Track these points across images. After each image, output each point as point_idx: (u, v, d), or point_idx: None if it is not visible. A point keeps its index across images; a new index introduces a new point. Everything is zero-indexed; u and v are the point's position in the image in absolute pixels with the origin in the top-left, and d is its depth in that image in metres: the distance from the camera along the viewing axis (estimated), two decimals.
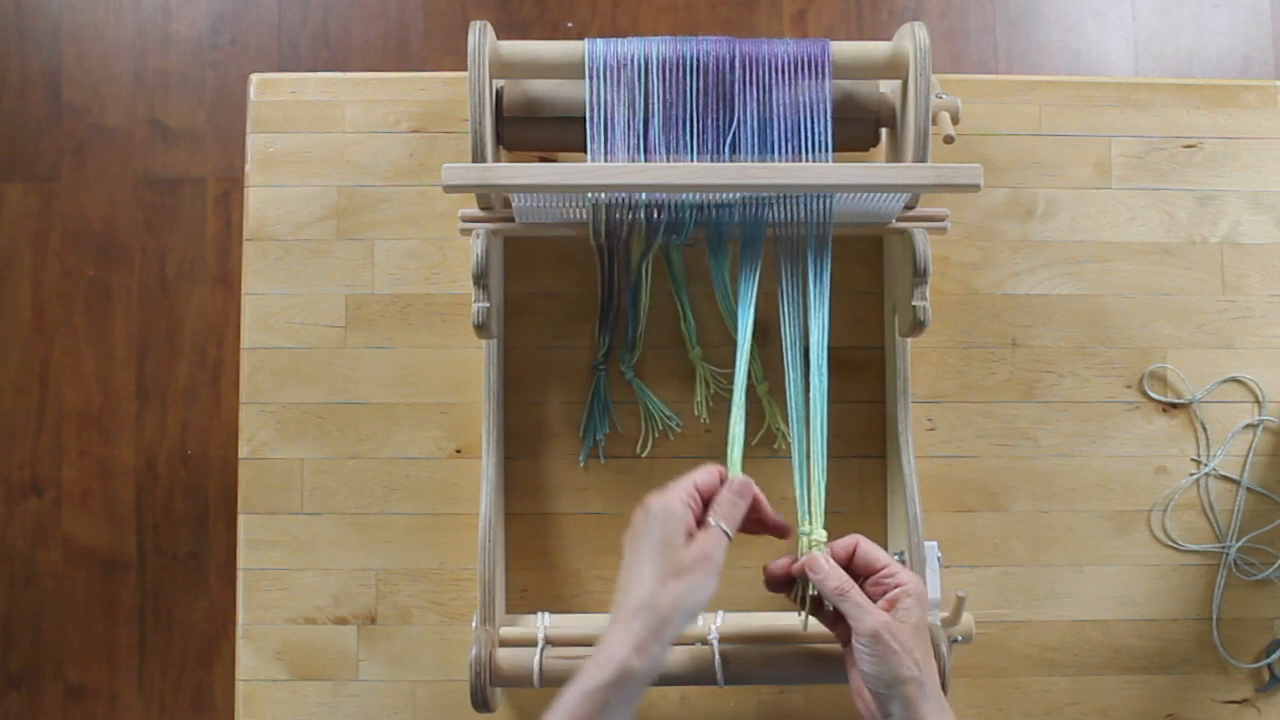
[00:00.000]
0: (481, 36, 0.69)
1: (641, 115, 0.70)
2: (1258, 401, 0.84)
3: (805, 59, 0.71)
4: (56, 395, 1.55)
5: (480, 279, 0.71)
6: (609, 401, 0.82)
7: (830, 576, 0.65)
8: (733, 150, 0.70)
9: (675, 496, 0.64)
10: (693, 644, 0.73)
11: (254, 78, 0.84)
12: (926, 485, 0.81)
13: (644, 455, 0.82)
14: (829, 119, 0.71)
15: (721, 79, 0.70)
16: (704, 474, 0.66)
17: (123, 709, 1.53)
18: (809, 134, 0.71)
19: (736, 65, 0.70)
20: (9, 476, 1.55)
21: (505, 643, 0.73)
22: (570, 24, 1.62)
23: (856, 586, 0.65)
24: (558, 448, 0.83)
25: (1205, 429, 0.84)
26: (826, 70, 0.71)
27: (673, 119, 0.70)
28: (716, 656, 0.72)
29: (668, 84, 0.70)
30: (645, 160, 0.70)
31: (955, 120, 0.72)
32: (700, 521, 0.64)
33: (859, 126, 0.75)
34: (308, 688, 0.81)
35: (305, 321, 0.83)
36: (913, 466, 0.77)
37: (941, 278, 0.84)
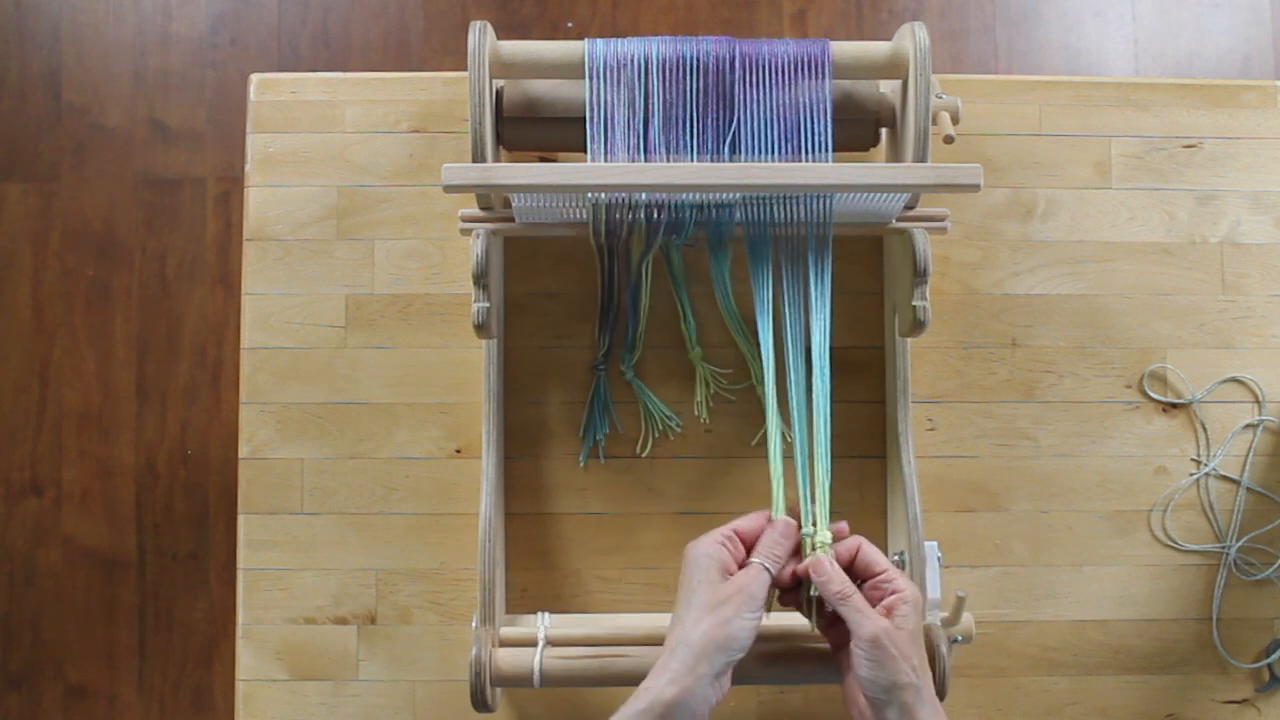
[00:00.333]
0: (481, 36, 0.69)
1: (641, 115, 0.70)
2: (1258, 401, 0.84)
3: (805, 59, 0.71)
4: (56, 395, 1.55)
5: (480, 279, 0.71)
6: (609, 401, 0.82)
7: (833, 580, 0.65)
8: (733, 150, 0.70)
9: (711, 539, 0.66)
10: None
11: (254, 78, 0.84)
12: (926, 485, 0.81)
13: (644, 455, 0.82)
14: (829, 119, 0.71)
15: (721, 79, 0.70)
16: (748, 518, 0.68)
17: (123, 709, 1.53)
18: (809, 134, 0.71)
19: (736, 65, 0.70)
20: (9, 476, 1.55)
21: (505, 643, 0.73)
22: (570, 24, 1.62)
23: (858, 591, 0.65)
24: (558, 448, 0.83)
25: (1205, 429, 0.84)
26: (826, 70, 0.71)
27: (673, 119, 0.70)
28: None
29: (668, 84, 0.70)
30: (645, 160, 0.70)
31: (955, 120, 0.72)
32: (743, 564, 0.66)
33: (859, 126, 0.75)
34: (308, 688, 0.81)
35: (305, 321, 0.83)
36: (913, 466, 0.77)
37: (941, 278, 0.84)
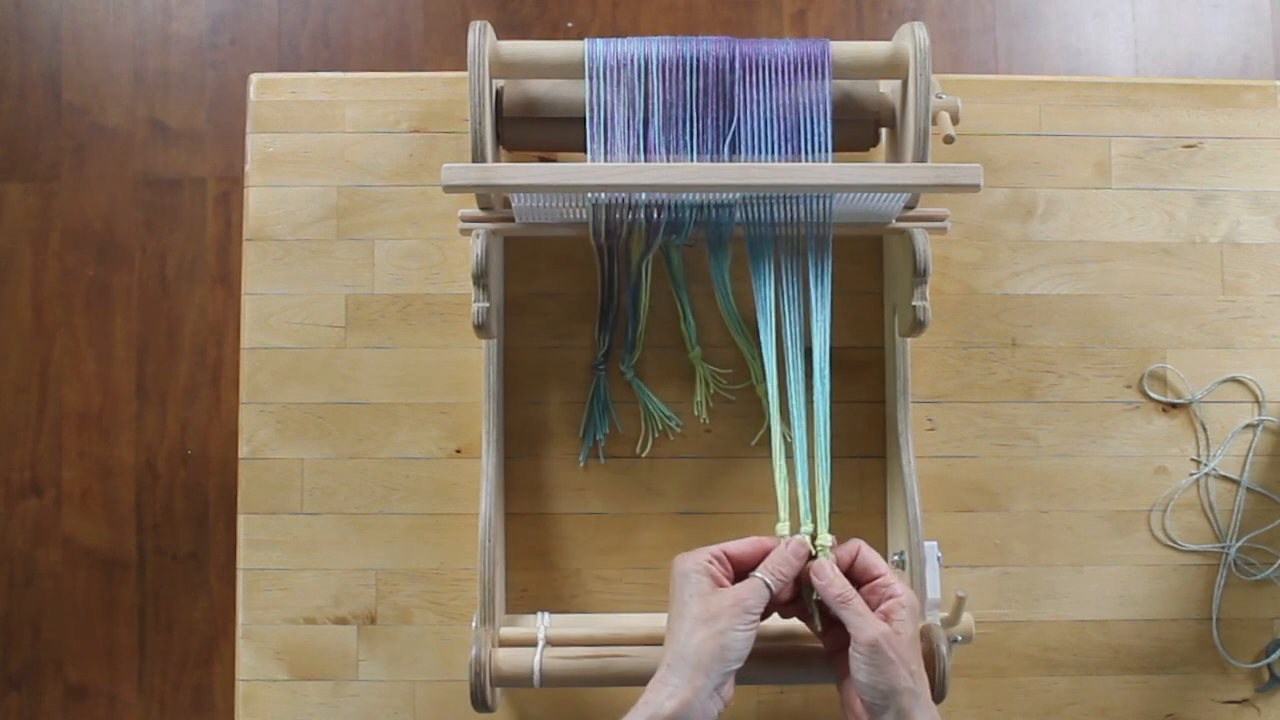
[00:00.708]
0: (481, 36, 0.69)
1: (641, 115, 0.70)
2: (1258, 401, 0.84)
3: (805, 59, 0.71)
4: (56, 395, 1.55)
5: (480, 279, 0.71)
6: (609, 401, 0.82)
7: (834, 584, 0.65)
8: (733, 150, 0.70)
9: (699, 554, 0.66)
10: None
11: (254, 78, 0.84)
12: (926, 485, 0.81)
13: (644, 455, 0.82)
14: (829, 119, 0.71)
15: (721, 79, 0.70)
16: (739, 542, 0.67)
17: (123, 709, 1.53)
18: (809, 134, 0.71)
19: (736, 65, 0.70)
20: (9, 476, 1.55)
21: (505, 643, 0.73)
22: (570, 24, 1.62)
23: (858, 595, 0.65)
24: (558, 448, 0.83)
25: (1205, 429, 0.84)
26: (826, 70, 0.71)
27: (673, 119, 0.70)
28: None
29: (668, 84, 0.70)
30: (645, 160, 0.70)
31: (955, 120, 0.72)
32: (735, 581, 0.66)
33: (859, 126, 0.75)
34: (308, 688, 0.81)
35: (305, 321, 0.83)
36: (913, 466, 0.77)
37: (941, 278, 0.84)
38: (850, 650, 0.64)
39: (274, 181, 0.83)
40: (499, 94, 0.74)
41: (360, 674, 0.81)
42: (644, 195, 0.71)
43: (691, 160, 0.70)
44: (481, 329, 0.72)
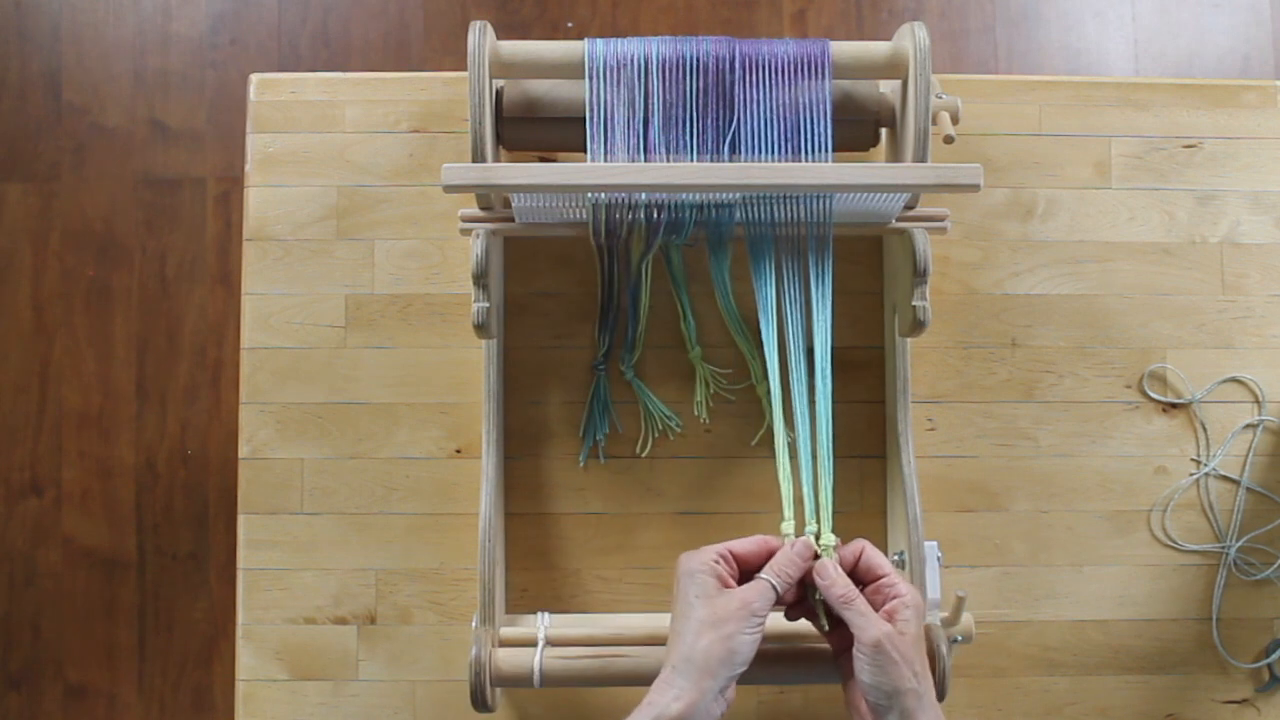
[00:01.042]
0: (481, 36, 0.69)
1: (641, 115, 0.70)
2: (1258, 401, 0.84)
3: (805, 59, 0.71)
4: (56, 395, 1.55)
5: (480, 279, 0.71)
6: (609, 401, 0.82)
7: (837, 584, 0.65)
8: (733, 150, 0.70)
9: (705, 554, 0.65)
10: None
11: (254, 78, 0.84)
12: (926, 485, 0.81)
13: (644, 455, 0.82)
14: (829, 119, 0.71)
15: (721, 79, 0.70)
16: (744, 541, 0.67)
17: (123, 709, 1.53)
18: (809, 134, 0.71)
19: (736, 65, 0.70)
20: (9, 476, 1.55)
21: (505, 643, 0.73)
22: (570, 24, 1.62)
23: (861, 596, 0.65)
24: (558, 448, 0.83)
25: (1205, 429, 0.84)
26: (826, 70, 0.71)
27: (673, 119, 0.70)
28: None
29: (668, 84, 0.70)
30: (645, 160, 0.70)
31: (955, 120, 0.72)
32: (741, 581, 0.66)
33: (859, 126, 0.75)
34: (308, 688, 0.81)
35: (305, 321, 0.83)
36: (913, 466, 0.77)
37: (941, 278, 0.84)
38: (854, 650, 0.64)
39: (274, 181, 0.83)
40: (499, 94, 0.74)
41: (360, 674, 0.81)
42: (644, 195, 0.71)
43: (691, 160, 0.70)
44: (481, 329, 0.72)
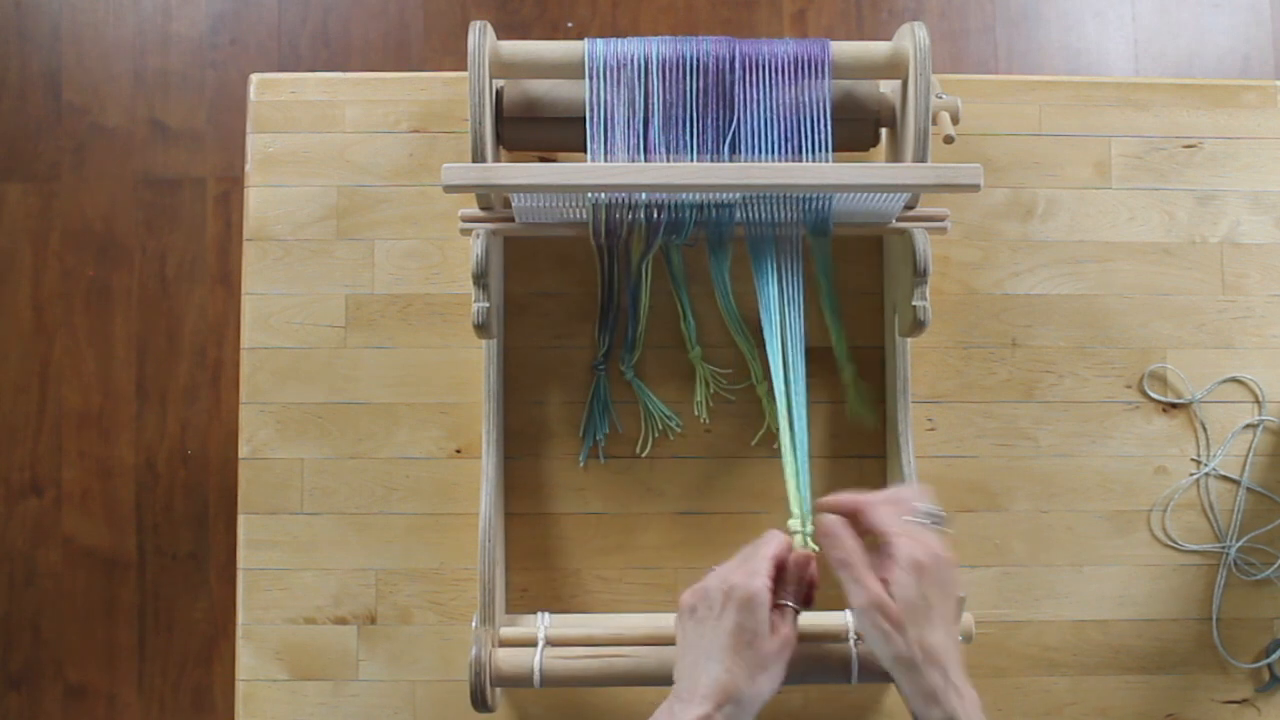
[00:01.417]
0: (481, 36, 0.69)
1: (641, 115, 0.70)
2: (1258, 401, 0.84)
3: (805, 59, 0.71)
4: (56, 395, 1.55)
5: (480, 279, 0.71)
6: (609, 401, 0.82)
7: (838, 546, 0.63)
8: (733, 150, 0.70)
9: (760, 581, 0.62)
10: None
11: (254, 78, 0.84)
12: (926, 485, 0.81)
13: (644, 455, 0.82)
14: (829, 119, 0.71)
15: (721, 79, 0.70)
16: (775, 546, 0.64)
17: (123, 709, 1.53)
18: (809, 134, 0.71)
19: (736, 65, 0.70)
20: (9, 476, 1.55)
21: (505, 643, 0.73)
22: (570, 24, 1.62)
23: (864, 561, 0.62)
24: (558, 448, 0.83)
25: (1205, 429, 0.84)
26: (826, 70, 0.71)
27: (673, 119, 0.70)
28: None
29: (668, 84, 0.70)
30: (645, 160, 0.70)
31: (955, 120, 0.72)
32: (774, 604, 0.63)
33: (859, 126, 0.75)
34: (308, 688, 0.81)
35: (305, 321, 0.83)
36: (913, 466, 0.77)
37: (941, 278, 0.84)
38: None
39: (274, 181, 0.83)
40: (499, 94, 0.74)
41: (360, 674, 0.81)
42: (644, 195, 0.71)
43: (691, 160, 0.70)
44: (481, 329, 0.72)
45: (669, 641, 0.73)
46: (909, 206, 0.74)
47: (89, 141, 1.58)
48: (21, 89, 1.59)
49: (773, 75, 0.71)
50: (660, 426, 0.82)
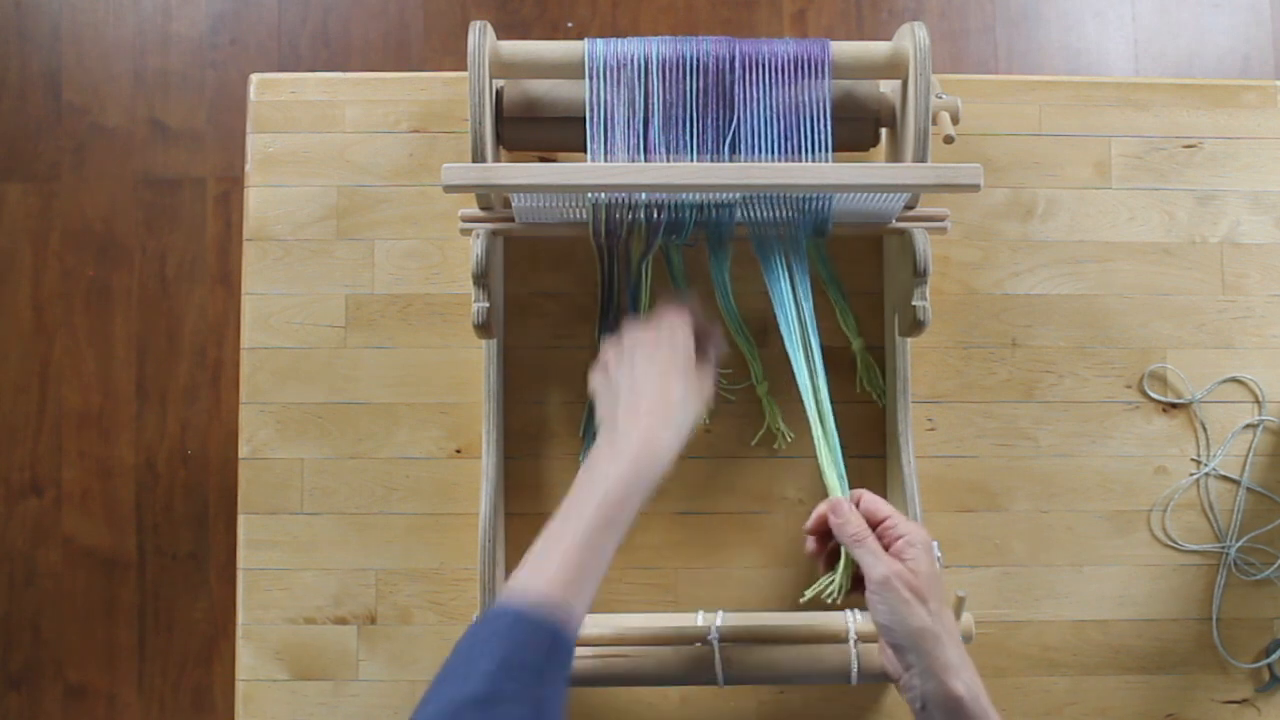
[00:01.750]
0: (481, 36, 0.69)
1: (641, 115, 0.70)
2: (1258, 401, 0.84)
3: (805, 59, 0.71)
4: (56, 395, 1.55)
5: (480, 279, 0.71)
6: None
7: (850, 523, 0.66)
8: (733, 150, 0.70)
9: (693, 321, 0.69)
10: (693, 644, 0.73)
11: (254, 78, 0.84)
12: (926, 485, 0.81)
13: None
14: (829, 119, 0.71)
15: (721, 79, 0.70)
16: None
17: (123, 709, 1.53)
18: (809, 134, 0.71)
19: (736, 65, 0.70)
20: (9, 476, 1.55)
21: None
22: (570, 24, 1.62)
23: (874, 536, 0.65)
24: (558, 448, 0.83)
25: (1205, 429, 0.84)
26: (826, 70, 0.71)
27: (673, 119, 0.70)
28: (717, 656, 0.72)
29: (668, 84, 0.70)
30: (645, 160, 0.70)
31: (955, 120, 0.72)
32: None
33: (859, 126, 0.75)
34: (308, 688, 0.81)
35: (305, 321, 0.83)
36: (913, 466, 0.77)
37: (941, 278, 0.84)
38: (867, 593, 0.64)
39: (274, 181, 0.83)
40: (499, 94, 0.74)
41: (360, 674, 0.81)
42: (644, 195, 0.71)
43: (691, 160, 0.70)
44: (481, 329, 0.72)
45: (669, 641, 0.73)
46: (909, 206, 0.74)
47: (89, 141, 1.58)
48: (21, 89, 1.59)
49: (773, 75, 0.71)
50: None
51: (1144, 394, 0.84)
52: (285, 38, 1.61)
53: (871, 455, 0.83)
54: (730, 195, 0.71)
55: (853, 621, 0.73)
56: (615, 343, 0.68)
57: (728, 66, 0.70)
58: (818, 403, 0.71)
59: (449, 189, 0.67)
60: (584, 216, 0.73)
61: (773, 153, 0.70)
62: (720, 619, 0.74)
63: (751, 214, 0.72)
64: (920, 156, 0.70)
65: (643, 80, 0.70)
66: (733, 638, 0.73)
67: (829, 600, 0.70)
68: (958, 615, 0.72)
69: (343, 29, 1.61)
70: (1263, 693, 0.83)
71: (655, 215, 0.72)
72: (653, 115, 0.70)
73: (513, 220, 0.74)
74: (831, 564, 0.70)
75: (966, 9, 1.65)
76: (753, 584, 0.82)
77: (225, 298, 1.56)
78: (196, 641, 1.54)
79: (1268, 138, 0.85)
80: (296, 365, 0.82)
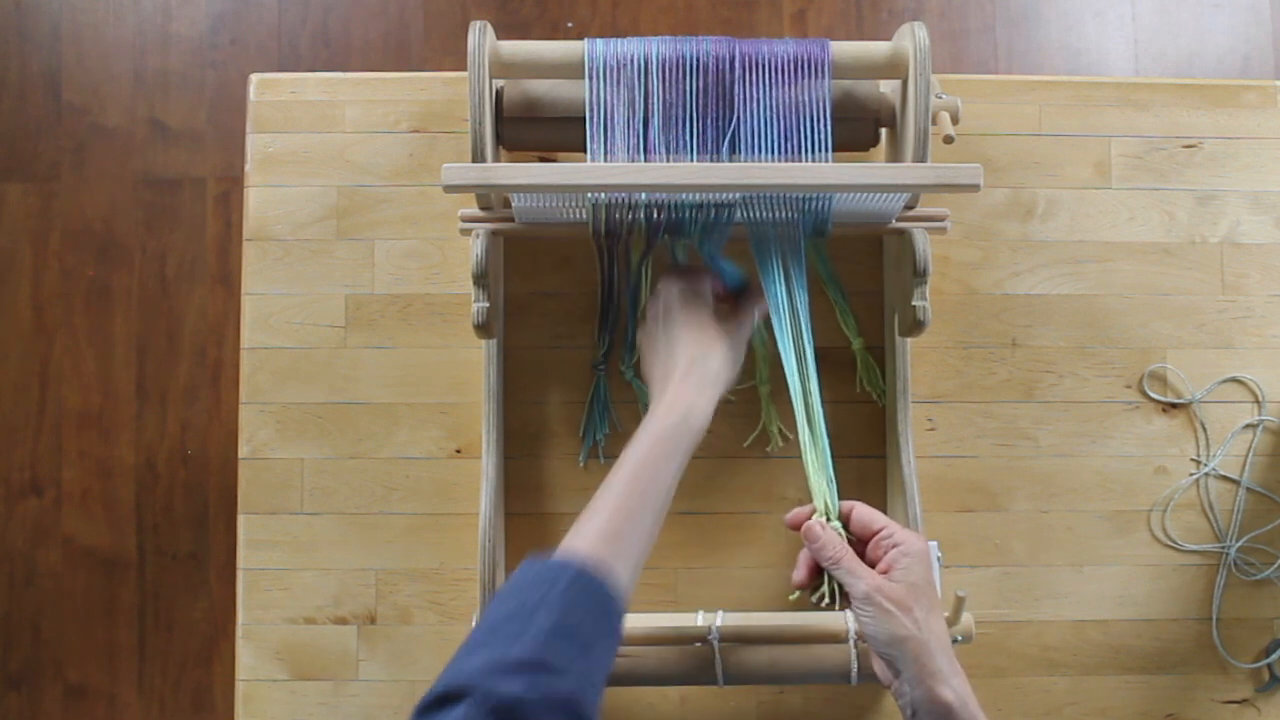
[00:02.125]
0: (481, 36, 0.69)
1: (641, 115, 0.70)
2: (1258, 401, 0.84)
3: (805, 59, 0.71)
4: (56, 395, 1.55)
5: (480, 279, 0.71)
6: (609, 401, 0.82)
7: (826, 546, 0.66)
8: (733, 150, 0.70)
9: (706, 279, 0.72)
10: (693, 644, 0.73)
11: (254, 78, 0.84)
12: (926, 485, 0.81)
13: None
14: (829, 119, 0.71)
15: (721, 79, 0.70)
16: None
17: (123, 709, 1.53)
18: (809, 134, 0.71)
19: (736, 65, 0.70)
20: (9, 476, 1.55)
21: None
22: (570, 24, 1.62)
23: (851, 554, 0.65)
24: (558, 448, 0.83)
25: (1205, 429, 0.84)
26: (826, 70, 0.71)
27: (673, 119, 0.70)
28: (717, 656, 0.72)
29: (668, 84, 0.70)
30: (645, 160, 0.70)
31: (955, 120, 0.72)
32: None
33: (859, 126, 0.75)
34: (308, 688, 0.81)
35: (305, 321, 0.83)
36: (913, 466, 0.77)
37: (941, 278, 0.84)
38: (852, 606, 0.64)
39: (274, 181, 0.83)
40: (499, 94, 0.74)
41: (360, 674, 0.81)
42: (644, 195, 0.71)
43: (691, 160, 0.70)
44: (481, 329, 0.72)
45: (669, 641, 0.73)
46: (909, 206, 0.74)
47: (89, 141, 1.58)
48: (21, 89, 1.59)
49: (773, 75, 0.71)
50: None
51: (1144, 394, 0.84)
52: (285, 38, 1.61)
53: (871, 455, 0.83)
54: (730, 195, 0.71)
55: (852, 622, 0.73)
56: (654, 296, 0.72)
57: (728, 66, 0.70)
58: (808, 407, 0.71)
59: (449, 189, 0.67)
60: (584, 216, 0.73)
61: (773, 153, 0.70)
62: (720, 619, 0.74)
63: (751, 214, 0.72)
64: (920, 156, 0.70)
65: (643, 80, 0.70)
66: (733, 638, 0.73)
67: (822, 606, 0.69)
68: (957, 615, 0.72)
69: (343, 29, 1.61)
70: (1263, 693, 0.83)
71: (655, 215, 0.72)
72: (653, 115, 0.70)
73: (513, 220, 0.74)
74: (820, 572, 0.70)
75: (966, 9, 1.65)
76: (753, 584, 0.82)
77: (225, 298, 1.56)
78: (196, 641, 1.54)
79: (1268, 138, 0.85)
80: (296, 365, 0.82)
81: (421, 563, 0.82)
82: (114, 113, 1.59)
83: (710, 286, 0.72)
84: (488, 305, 0.72)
